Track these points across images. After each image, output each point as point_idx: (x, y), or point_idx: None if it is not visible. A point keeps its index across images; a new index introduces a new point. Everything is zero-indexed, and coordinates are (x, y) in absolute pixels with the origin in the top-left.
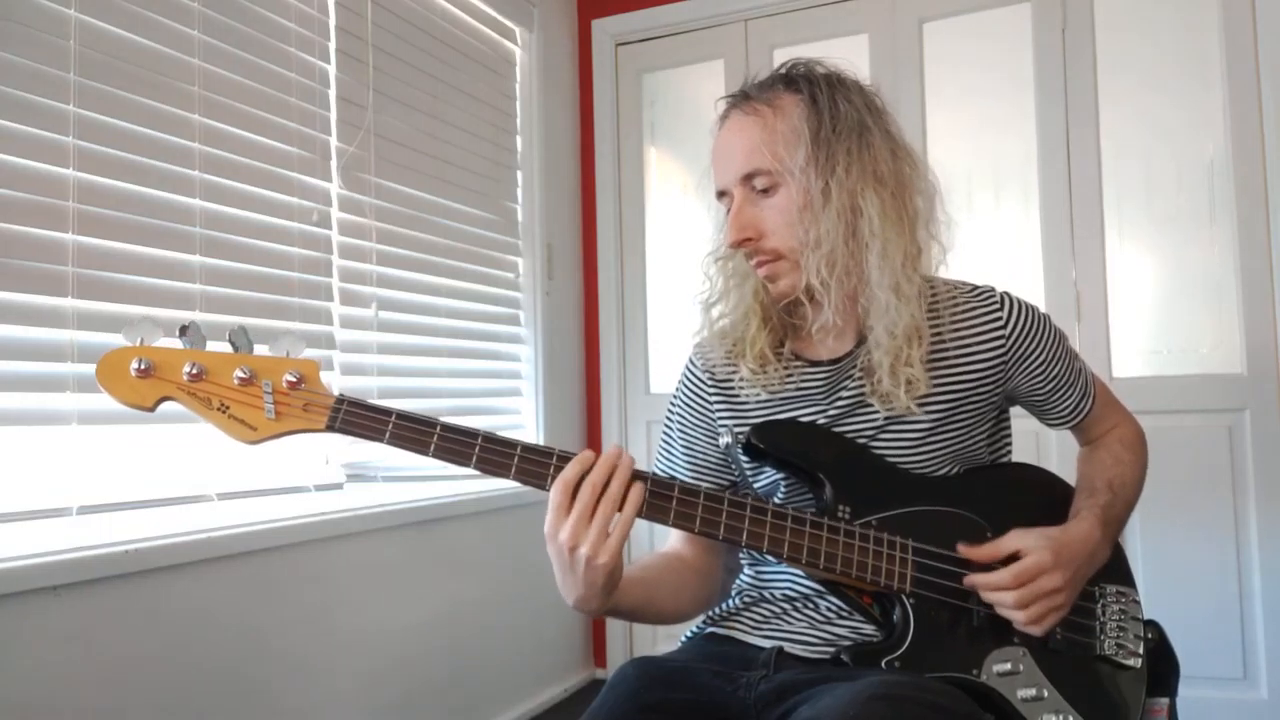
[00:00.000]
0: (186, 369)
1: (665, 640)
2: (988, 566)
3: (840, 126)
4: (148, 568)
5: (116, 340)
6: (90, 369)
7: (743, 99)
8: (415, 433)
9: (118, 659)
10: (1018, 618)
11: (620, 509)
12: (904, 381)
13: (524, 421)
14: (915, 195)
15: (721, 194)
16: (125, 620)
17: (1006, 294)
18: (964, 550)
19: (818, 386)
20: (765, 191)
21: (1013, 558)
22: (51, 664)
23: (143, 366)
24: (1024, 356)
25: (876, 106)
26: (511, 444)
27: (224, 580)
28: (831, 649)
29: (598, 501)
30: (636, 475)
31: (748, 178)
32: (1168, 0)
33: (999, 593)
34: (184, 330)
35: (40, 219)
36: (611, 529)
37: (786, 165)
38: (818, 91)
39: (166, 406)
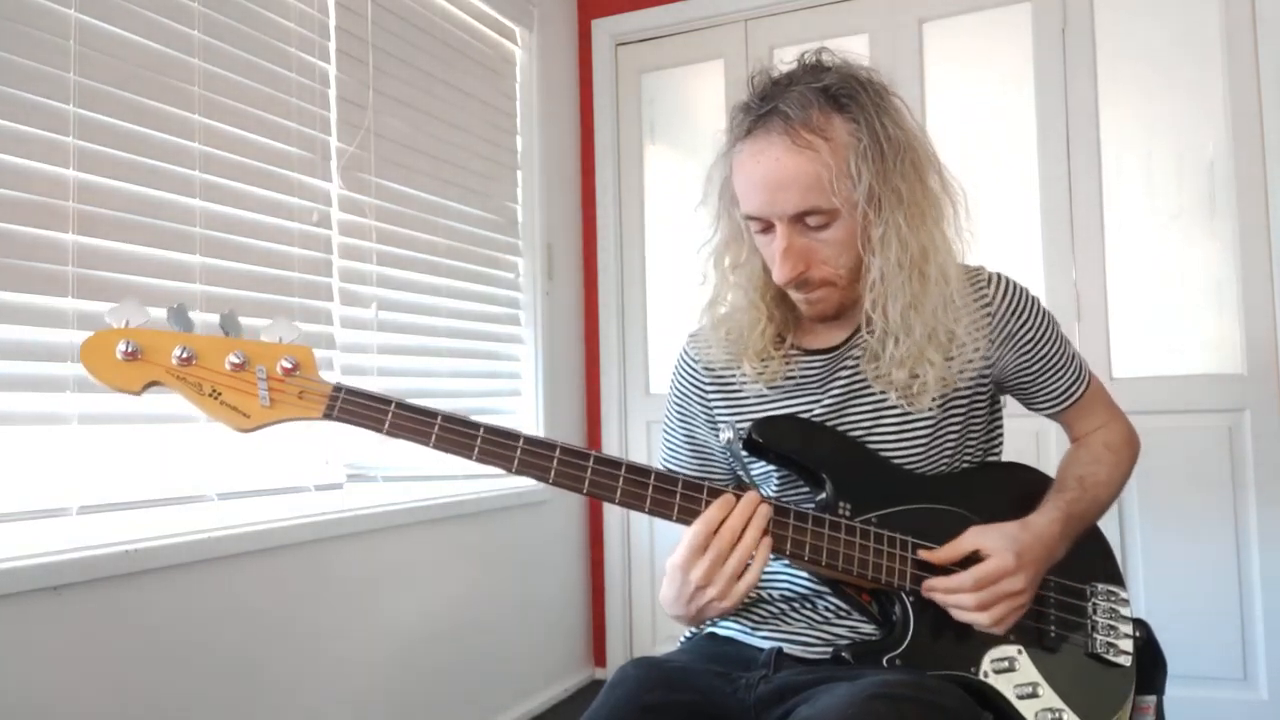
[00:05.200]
0: (176, 353)
1: (665, 640)
2: (946, 570)
3: (894, 157)
4: (148, 568)
5: (137, 299)
6: (106, 323)
7: (783, 119)
8: (416, 423)
9: (118, 659)
10: (980, 620)
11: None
12: (932, 379)
13: (524, 421)
14: (951, 208)
15: (754, 218)
16: (125, 620)
17: (996, 274)
18: (924, 555)
19: (814, 374)
20: (816, 227)
21: (972, 556)
22: (51, 664)
23: (130, 349)
24: (1011, 335)
25: (907, 120)
26: (514, 435)
27: (224, 580)
28: (830, 649)
29: (733, 547)
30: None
31: (801, 215)
32: (1168, 0)
33: (958, 595)
34: (171, 313)
35: (40, 219)
36: (740, 574)
37: (846, 200)
38: (869, 117)
39: (159, 401)
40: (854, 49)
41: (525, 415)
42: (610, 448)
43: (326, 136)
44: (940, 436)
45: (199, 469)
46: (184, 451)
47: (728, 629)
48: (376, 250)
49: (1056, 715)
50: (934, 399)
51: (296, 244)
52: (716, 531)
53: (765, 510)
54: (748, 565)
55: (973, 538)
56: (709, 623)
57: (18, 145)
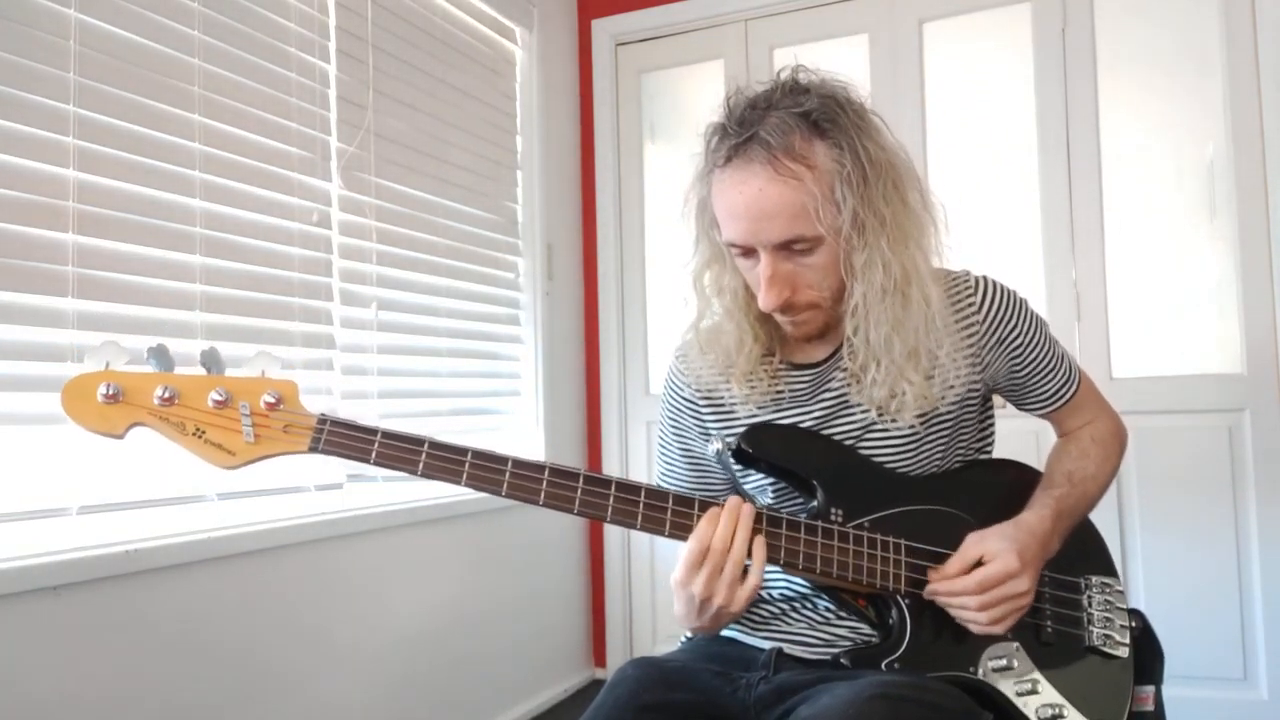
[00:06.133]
0: (158, 393)
1: (665, 640)
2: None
3: (877, 180)
4: (148, 568)
5: (112, 339)
6: (85, 366)
7: (765, 148)
8: (403, 451)
9: (118, 659)
10: (979, 619)
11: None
12: (911, 398)
13: (524, 422)
14: (932, 225)
15: (736, 245)
16: (125, 620)
17: (982, 278)
18: (935, 575)
19: (802, 389)
20: (801, 252)
21: (976, 564)
22: (51, 664)
23: (111, 392)
24: (1001, 339)
25: (887, 139)
26: (502, 459)
27: (224, 580)
28: (830, 649)
29: (726, 555)
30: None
31: (786, 243)
32: (1168, 0)
33: (962, 599)
34: (151, 352)
35: (40, 219)
36: (740, 578)
37: (830, 227)
38: (851, 141)
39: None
40: (854, 49)
41: (525, 416)
42: (610, 448)
43: (326, 136)
44: (929, 444)
45: (199, 469)
46: (184, 451)
47: (728, 630)
48: (376, 250)
49: (1057, 711)
50: (916, 415)
51: (296, 244)
52: (710, 545)
53: (749, 510)
54: (747, 569)
55: (973, 546)
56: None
57: (18, 145)
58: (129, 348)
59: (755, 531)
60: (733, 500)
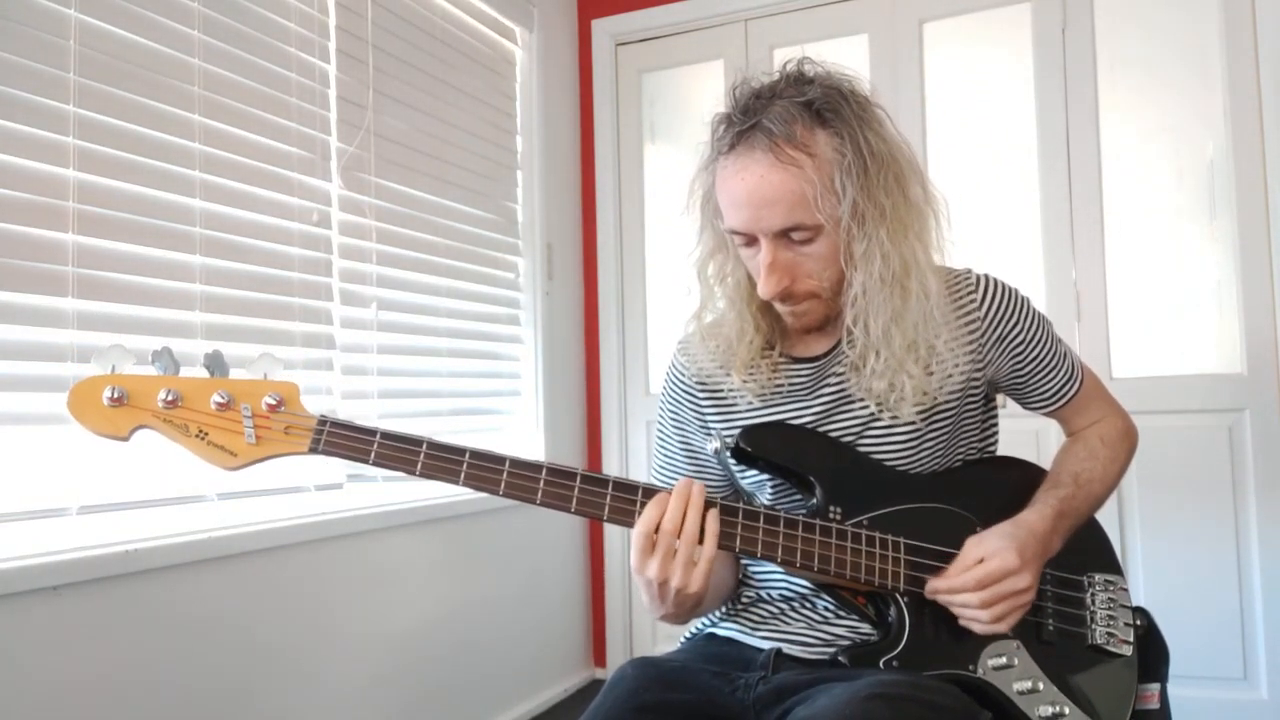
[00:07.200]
0: (162, 396)
1: (665, 640)
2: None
3: (877, 172)
4: (148, 568)
5: (116, 341)
6: (91, 369)
7: (767, 135)
8: (401, 452)
9: (118, 659)
10: (980, 617)
11: (700, 540)
12: (910, 390)
13: (524, 422)
14: (933, 219)
15: (738, 232)
16: (125, 620)
17: (984, 275)
18: (932, 581)
19: (802, 383)
20: (801, 241)
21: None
22: (51, 664)
23: (116, 395)
24: (1002, 337)
25: (890, 132)
26: (500, 459)
27: (224, 580)
28: (830, 649)
29: (677, 536)
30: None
31: (785, 231)
32: (1168, 0)
33: (963, 595)
34: (156, 355)
35: (40, 219)
36: (695, 558)
37: (830, 216)
38: (853, 131)
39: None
40: (854, 49)
41: (525, 416)
42: (610, 448)
43: (326, 136)
44: (927, 442)
45: (199, 469)
46: (184, 451)
47: (727, 629)
48: (376, 250)
49: (1058, 710)
50: (916, 408)
51: (296, 244)
52: (659, 527)
53: (699, 489)
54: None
55: (974, 549)
56: (709, 622)
57: (18, 145)
58: (134, 350)
59: (707, 509)
60: (683, 482)
